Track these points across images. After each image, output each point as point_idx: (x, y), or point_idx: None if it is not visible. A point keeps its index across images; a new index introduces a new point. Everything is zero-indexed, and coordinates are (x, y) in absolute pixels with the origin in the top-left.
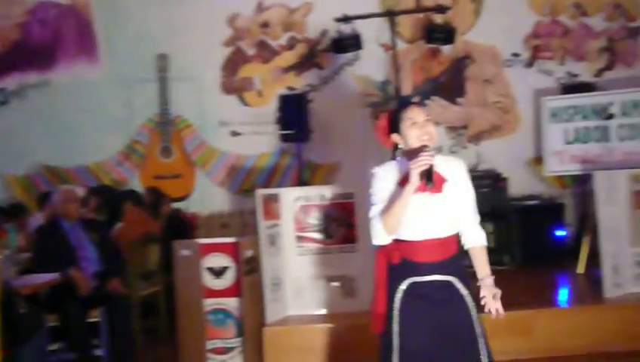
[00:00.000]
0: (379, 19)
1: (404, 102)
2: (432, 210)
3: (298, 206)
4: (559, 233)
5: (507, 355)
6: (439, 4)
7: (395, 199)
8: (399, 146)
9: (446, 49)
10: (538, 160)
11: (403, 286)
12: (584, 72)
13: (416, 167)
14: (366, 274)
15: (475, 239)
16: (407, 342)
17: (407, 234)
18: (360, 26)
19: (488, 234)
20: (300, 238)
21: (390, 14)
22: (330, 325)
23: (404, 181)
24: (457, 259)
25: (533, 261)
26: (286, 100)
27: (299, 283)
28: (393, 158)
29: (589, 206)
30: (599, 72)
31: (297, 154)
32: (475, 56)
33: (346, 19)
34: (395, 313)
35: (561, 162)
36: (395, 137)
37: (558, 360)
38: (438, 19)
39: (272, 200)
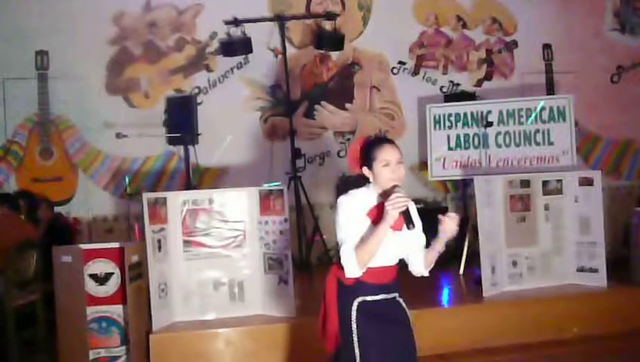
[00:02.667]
0: (269, 24)
1: (380, 140)
2: (390, 243)
3: (186, 210)
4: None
5: None
6: (328, 11)
7: (369, 237)
8: (370, 179)
9: (335, 55)
10: (423, 165)
11: (355, 303)
12: (465, 81)
13: (394, 208)
14: (254, 278)
15: (421, 270)
16: (368, 351)
17: (353, 274)
18: (250, 29)
19: None
20: (187, 243)
21: (280, 19)
22: (218, 330)
23: (374, 213)
24: (397, 281)
25: None
26: (173, 102)
27: (186, 289)
28: (359, 184)
29: (470, 209)
30: (479, 82)
31: (185, 157)
32: (363, 63)
33: (235, 22)
34: (353, 326)
35: (444, 167)
36: (365, 170)
37: (442, 358)
38: (328, 25)
39: (158, 204)
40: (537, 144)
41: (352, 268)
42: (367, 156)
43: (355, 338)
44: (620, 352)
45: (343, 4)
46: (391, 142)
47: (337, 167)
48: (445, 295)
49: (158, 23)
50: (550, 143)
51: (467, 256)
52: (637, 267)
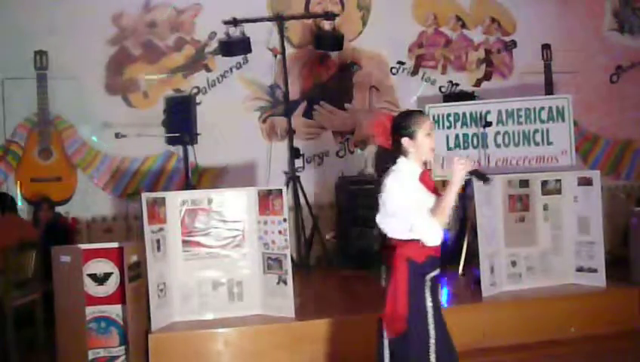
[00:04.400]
0: (268, 24)
1: (418, 112)
2: None
3: (185, 210)
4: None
5: None
6: (328, 11)
7: (440, 202)
8: (408, 150)
9: (334, 55)
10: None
11: (428, 281)
12: (464, 81)
13: (465, 169)
14: (253, 278)
15: None
16: (440, 332)
17: (439, 238)
18: (249, 29)
19: (375, 237)
20: (186, 243)
21: (279, 19)
22: (217, 330)
23: (425, 180)
24: None
25: None
26: (173, 102)
27: (185, 289)
28: (392, 160)
29: (469, 209)
30: (478, 82)
31: (184, 157)
32: (362, 62)
33: (235, 22)
34: (428, 303)
35: (443, 167)
36: (406, 141)
37: None
38: (327, 25)
39: (157, 204)
40: (536, 144)
41: (436, 234)
42: (408, 126)
43: (430, 316)
44: (618, 352)
45: (342, 4)
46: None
47: (336, 166)
48: (444, 295)
49: (157, 22)
50: (549, 143)
51: (466, 256)
52: (636, 267)
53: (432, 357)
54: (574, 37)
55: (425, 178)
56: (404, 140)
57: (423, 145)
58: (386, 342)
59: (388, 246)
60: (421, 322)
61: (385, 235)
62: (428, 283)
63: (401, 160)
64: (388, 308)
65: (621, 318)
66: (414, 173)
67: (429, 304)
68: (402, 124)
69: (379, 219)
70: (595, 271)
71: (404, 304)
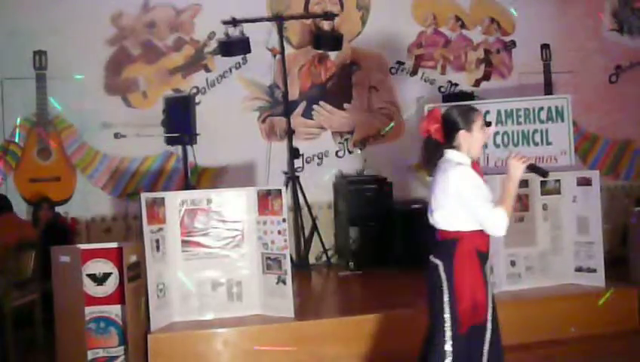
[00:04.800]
0: (267, 24)
1: (473, 107)
2: None
3: (184, 210)
4: None
5: (391, 355)
6: (327, 11)
7: (507, 192)
8: (462, 144)
9: (333, 55)
10: (421, 165)
11: (484, 275)
12: (463, 81)
13: (524, 163)
14: (252, 278)
15: None
16: (494, 326)
17: (506, 229)
18: (248, 29)
19: (373, 237)
20: (185, 243)
21: (278, 19)
22: (216, 330)
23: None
24: None
25: (416, 263)
26: (172, 102)
27: (185, 289)
28: (437, 152)
29: None
30: (477, 82)
31: (183, 157)
32: (361, 63)
33: (234, 22)
34: (489, 301)
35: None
36: (463, 134)
37: None
38: (326, 25)
39: (157, 204)
40: (536, 144)
41: (504, 225)
42: (466, 120)
43: (490, 308)
44: (617, 352)
45: (342, 5)
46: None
47: (336, 166)
48: None
49: (157, 22)
50: (548, 143)
51: None
52: (635, 267)
53: (485, 350)
54: (573, 37)
55: (477, 169)
56: (461, 133)
57: (477, 139)
58: (449, 339)
59: (442, 240)
60: (489, 315)
61: (434, 229)
62: (484, 277)
63: (451, 152)
64: (464, 300)
65: (620, 318)
66: (468, 163)
67: (489, 300)
68: (460, 118)
69: (438, 215)
70: (594, 271)
71: (482, 293)
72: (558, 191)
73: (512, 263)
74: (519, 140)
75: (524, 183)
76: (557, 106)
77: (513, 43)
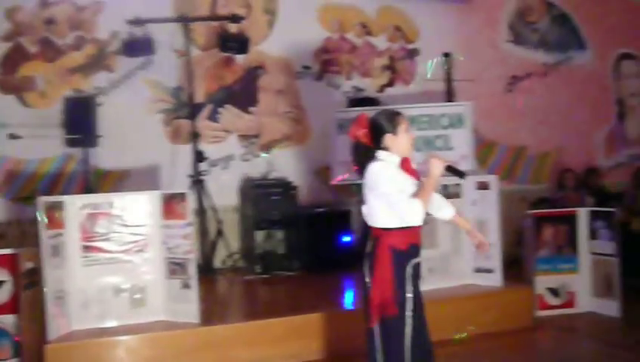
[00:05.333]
0: (173, 25)
1: (396, 111)
2: None
3: (84, 214)
4: (346, 239)
5: (297, 358)
6: (234, 13)
7: (424, 186)
8: (389, 146)
9: (240, 58)
10: (326, 169)
11: (409, 269)
12: (368, 87)
13: (442, 163)
14: (156, 283)
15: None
16: (417, 322)
17: (420, 218)
18: (153, 29)
19: (279, 241)
20: (86, 248)
21: (184, 20)
22: (118, 338)
23: (406, 168)
24: None
25: (322, 266)
26: (72, 103)
27: (85, 296)
28: (368, 156)
29: None
30: (382, 88)
31: (84, 159)
32: (268, 66)
33: (138, 22)
34: (408, 290)
35: (348, 171)
36: (389, 138)
37: (346, 359)
38: (233, 28)
39: (55, 208)
40: (438, 149)
41: (419, 212)
42: (391, 124)
43: (411, 304)
44: (514, 348)
45: (249, 8)
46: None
47: (241, 170)
48: (349, 297)
49: (56, 19)
50: (450, 149)
51: None
52: (528, 267)
53: (407, 344)
54: (473, 47)
55: (406, 165)
56: (387, 137)
57: (403, 141)
58: (376, 331)
59: (371, 237)
60: (400, 309)
61: (367, 227)
62: (409, 271)
63: (381, 153)
64: (376, 295)
65: (515, 316)
66: (396, 161)
67: (409, 294)
68: (385, 122)
69: (365, 209)
70: (491, 271)
71: (390, 290)
72: (458, 195)
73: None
74: (422, 145)
75: None
76: (458, 113)
77: (417, 51)
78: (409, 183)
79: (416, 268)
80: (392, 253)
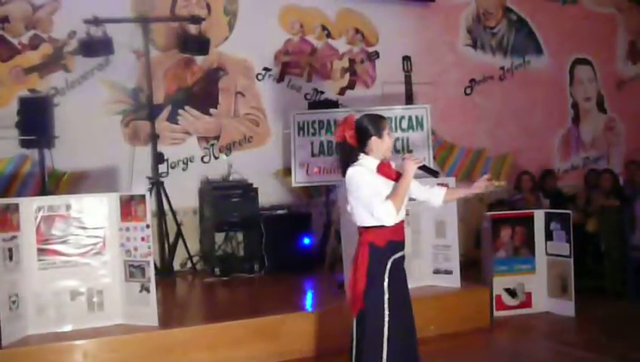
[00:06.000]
0: (132, 25)
1: (380, 115)
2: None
3: (40, 216)
4: (306, 241)
5: (257, 361)
6: (194, 14)
7: (396, 188)
8: (372, 148)
9: (200, 59)
10: (286, 171)
11: (389, 265)
12: (329, 89)
13: (415, 163)
14: (114, 286)
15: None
16: (395, 312)
17: (394, 219)
18: (111, 30)
19: (238, 243)
20: (42, 251)
21: (143, 21)
22: (75, 342)
23: (383, 171)
24: None
25: (282, 268)
26: (27, 103)
27: (41, 300)
28: (352, 156)
29: (333, 215)
30: (342, 91)
31: (40, 161)
32: (228, 68)
33: (96, 21)
34: (385, 285)
35: (308, 174)
36: (375, 140)
37: (305, 361)
38: (193, 29)
39: (9, 210)
40: (397, 151)
41: (392, 213)
42: (376, 127)
43: (386, 298)
44: (472, 347)
45: (209, 9)
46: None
47: (201, 172)
48: (309, 299)
49: (11, 17)
50: (409, 151)
51: (330, 260)
52: (486, 268)
53: (385, 336)
54: (432, 50)
55: (384, 169)
56: (373, 139)
57: (384, 142)
58: (354, 323)
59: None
60: (377, 303)
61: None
62: (388, 266)
63: (362, 156)
64: (349, 288)
65: (473, 317)
66: (373, 166)
67: (386, 286)
68: (371, 126)
69: (348, 209)
70: (450, 272)
71: (362, 284)
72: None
73: None
74: None
75: None
76: (417, 116)
77: (376, 54)
78: (384, 186)
79: (397, 263)
80: (369, 249)
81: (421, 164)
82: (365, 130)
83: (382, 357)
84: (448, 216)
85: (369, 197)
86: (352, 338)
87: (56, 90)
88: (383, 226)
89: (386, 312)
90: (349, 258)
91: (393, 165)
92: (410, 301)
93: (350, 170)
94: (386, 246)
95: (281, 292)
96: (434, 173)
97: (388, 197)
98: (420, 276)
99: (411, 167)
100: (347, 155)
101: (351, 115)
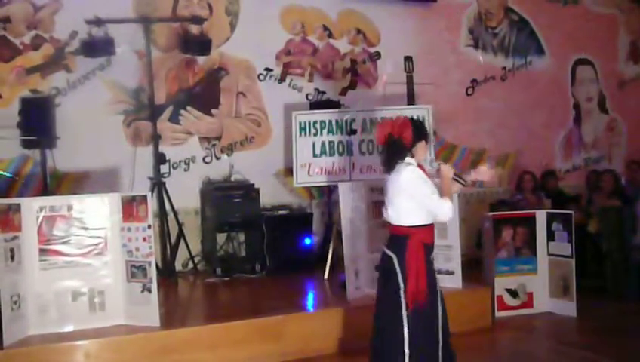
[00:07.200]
0: (133, 25)
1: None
2: None
3: (42, 217)
4: (307, 241)
5: (258, 361)
6: (195, 14)
7: (446, 189)
8: (417, 151)
9: (201, 60)
10: (288, 171)
11: (432, 260)
12: (330, 89)
13: (452, 171)
14: (116, 287)
15: None
16: (442, 306)
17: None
18: (113, 30)
19: (240, 243)
20: (44, 251)
21: (145, 21)
22: (77, 343)
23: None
24: None
25: (283, 268)
26: (29, 103)
27: (42, 300)
28: (402, 156)
29: (334, 215)
30: (344, 91)
31: (42, 161)
32: (229, 68)
33: (98, 22)
34: (438, 286)
35: (309, 174)
36: (422, 144)
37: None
38: (194, 29)
39: (11, 210)
40: None
41: (451, 212)
42: (425, 133)
43: (439, 292)
44: (473, 348)
45: (210, 9)
46: None
47: (203, 172)
48: (311, 299)
49: (12, 18)
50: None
51: (332, 260)
52: (487, 268)
53: (439, 326)
54: (434, 51)
55: (424, 172)
56: (422, 143)
57: (426, 149)
58: (404, 314)
59: (394, 234)
60: (433, 299)
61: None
62: (433, 264)
63: (408, 158)
64: (411, 285)
65: (475, 317)
66: (417, 168)
67: (438, 282)
68: (422, 130)
69: (390, 211)
70: (452, 273)
71: (423, 281)
72: None
73: (377, 268)
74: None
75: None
76: (419, 116)
77: (378, 54)
78: (434, 186)
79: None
80: (423, 248)
81: (454, 170)
82: (419, 133)
83: (438, 354)
84: None
85: (429, 196)
86: (397, 335)
87: (57, 90)
88: (428, 225)
89: (439, 306)
90: (351, 259)
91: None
92: None
93: (408, 170)
94: (432, 244)
95: (283, 293)
96: (464, 182)
97: (442, 196)
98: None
99: (450, 173)
100: (397, 154)
101: (405, 117)
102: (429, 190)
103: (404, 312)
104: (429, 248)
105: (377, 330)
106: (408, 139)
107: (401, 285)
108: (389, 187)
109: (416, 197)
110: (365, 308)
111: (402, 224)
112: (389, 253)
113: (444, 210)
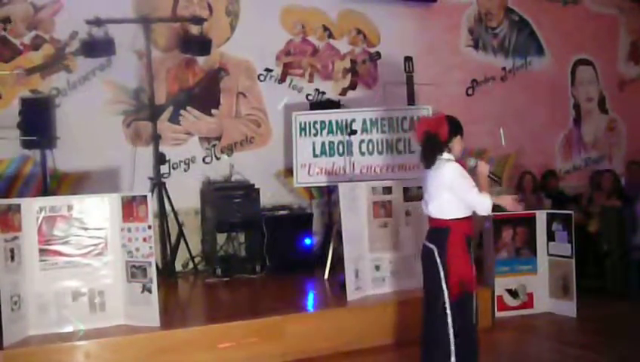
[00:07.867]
0: (133, 26)
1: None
2: None
3: (42, 217)
4: (307, 241)
5: (259, 361)
6: (195, 15)
7: (483, 185)
8: (455, 146)
9: (201, 60)
10: (288, 171)
11: (470, 253)
12: (330, 90)
13: (486, 169)
14: (116, 287)
15: None
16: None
17: (489, 210)
18: (113, 30)
19: (240, 243)
20: (44, 252)
21: (145, 21)
22: (77, 343)
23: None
24: None
25: (283, 269)
26: (29, 104)
27: (42, 300)
28: (441, 150)
29: (334, 215)
30: (344, 91)
31: (42, 161)
32: (230, 68)
33: (98, 22)
34: (474, 274)
35: (309, 174)
36: (458, 139)
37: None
38: (194, 29)
39: (11, 210)
40: (399, 152)
41: (490, 205)
42: (460, 128)
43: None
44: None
45: (211, 9)
46: None
47: (203, 172)
48: (311, 300)
49: (13, 18)
50: (411, 152)
51: (332, 261)
52: (488, 269)
53: (472, 320)
54: (434, 51)
55: (463, 166)
56: (457, 138)
57: (462, 144)
58: (448, 306)
59: (435, 227)
60: (473, 286)
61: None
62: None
63: (446, 153)
64: (454, 276)
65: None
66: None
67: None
68: (457, 125)
69: (431, 205)
70: None
71: (468, 270)
72: (419, 198)
73: (377, 267)
74: (384, 148)
75: (388, 190)
76: (419, 116)
77: (378, 54)
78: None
79: None
80: (465, 239)
81: (489, 171)
82: (454, 128)
83: (478, 339)
84: None
85: (470, 189)
86: (442, 326)
87: (57, 90)
88: (468, 218)
89: (474, 294)
90: (352, 259)
91: None
92: None
93: (450, 166)
94: (471, 236)
95: (283, 293)
96: (499, 180)
97: (480, 191)
98: (422, 276)
99: (486, 168)
100: (436, 149)
101: (442, 113)
102: (470, 183)
103: (447, 302)
104: (469, 239)
105: (424, 321)
106: (445, 135)
107: (442, 275)
108: (429, 182)
109: (458, 191)
110: (365, 309)
111: (444, 217)
112: (430, 245)
113: (484, 206)
